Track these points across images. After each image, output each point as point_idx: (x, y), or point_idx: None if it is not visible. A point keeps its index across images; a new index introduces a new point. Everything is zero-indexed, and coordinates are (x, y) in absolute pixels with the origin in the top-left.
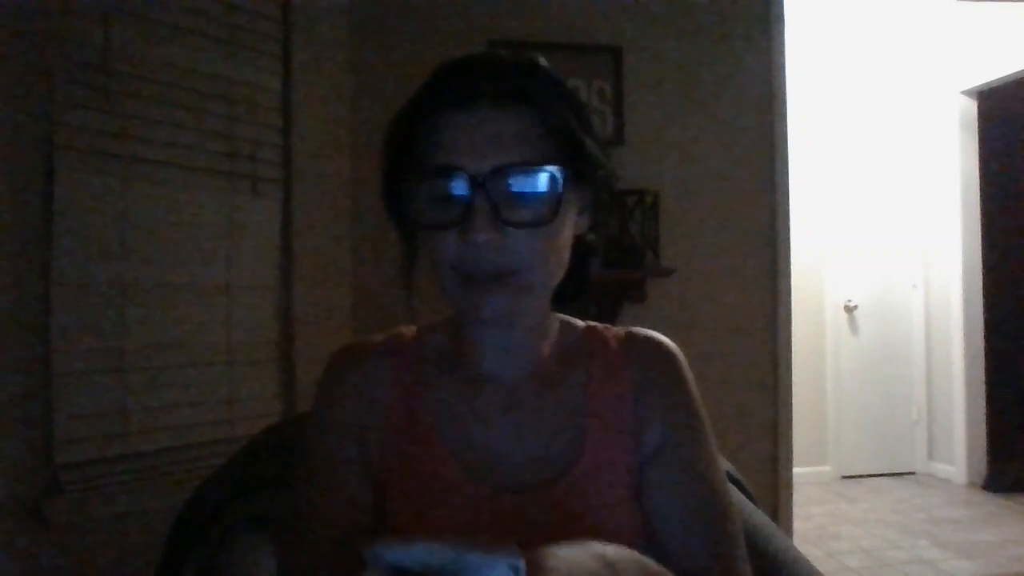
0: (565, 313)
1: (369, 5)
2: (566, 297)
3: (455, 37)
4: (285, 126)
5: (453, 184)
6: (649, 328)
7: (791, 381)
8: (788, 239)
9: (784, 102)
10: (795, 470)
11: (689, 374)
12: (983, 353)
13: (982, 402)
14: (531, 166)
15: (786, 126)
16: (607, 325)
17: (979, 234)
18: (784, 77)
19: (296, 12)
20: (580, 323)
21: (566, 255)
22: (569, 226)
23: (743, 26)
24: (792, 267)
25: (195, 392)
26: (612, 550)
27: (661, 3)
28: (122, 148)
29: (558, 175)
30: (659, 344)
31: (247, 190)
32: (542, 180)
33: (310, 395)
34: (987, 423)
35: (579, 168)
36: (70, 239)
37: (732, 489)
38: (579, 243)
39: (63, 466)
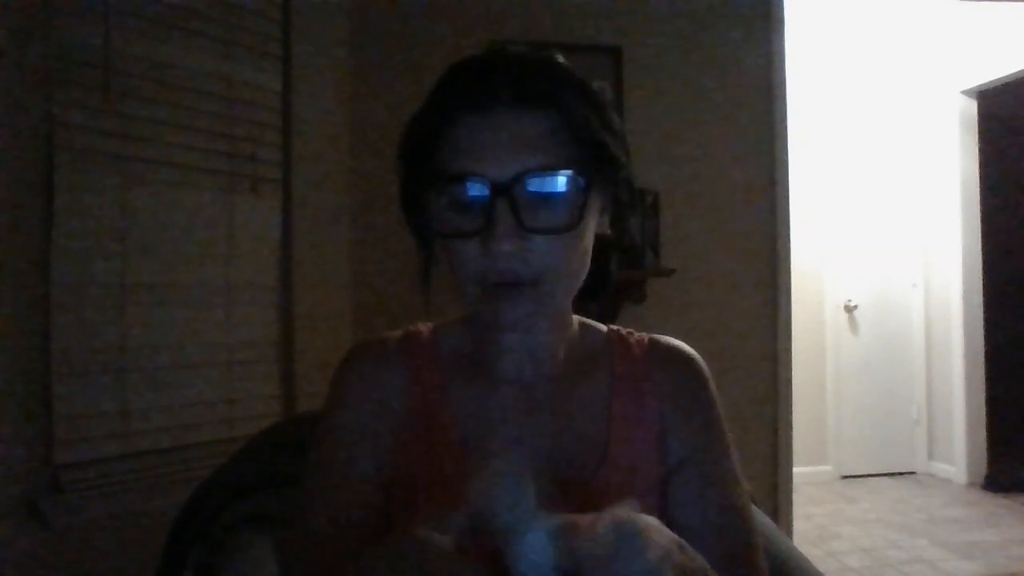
0: (580, 309)
1: (369, 5)
2: (588, 295)
3: (455, 37)
4: (285, 126)
5: (473, 191)
6: (650, 328)
7: (791, 381)
8: (788, 239)
9: (784, 102)
10: (795, 470)
11: (713, 387)
12: (983, 353)
13: (982, 402)
14: (554, 171)
15: (786, 126)
16: (630, 330)
17: (979, 234)
18: (784, 77)
19: (296, 12)
20: (601, 326)
21: (588, 257)
22: (592, 228)
23: (743, 26)
24: (792, 267)
25: (195, 392)
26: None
27: (661, 3)
28: (122, 148)
29: (582, 179)
30: (685, 355)
31: (247, 190)
32: (566, 185)
33: (310, 395)
34: (987, 423)
35: (601, 169)
36: (70, 239)
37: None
38: (600, 241)
39: (63, 466)
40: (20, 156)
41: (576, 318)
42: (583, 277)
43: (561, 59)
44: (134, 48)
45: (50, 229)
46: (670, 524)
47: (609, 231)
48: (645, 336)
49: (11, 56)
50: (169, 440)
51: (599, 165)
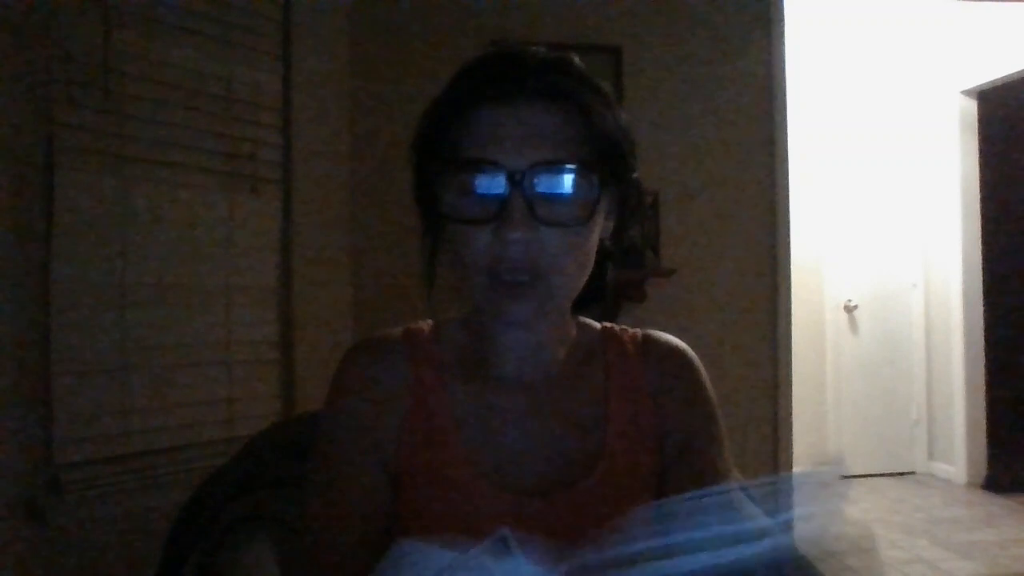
0: (578, 311)
1: (369, 5)
2: (583, 300)
3: (455, 37)
4: (285, 126)
5: (489, 180)
6: (650, 328)
7: (791, 381)
8: (788, 239)
9: (784, 102)
10: (795, 470)
11: (707, 381)
12: (983, 353)
13: (982, 402)
14: (570, 165)
15: (786, 126)
16: (624, 327)
17: (979, 234)
18: (784, 78)
19: (296, 12)
20: (596, 324)
21: (592, 259)
22: (599, 229)
23: (743, 26)
24: (792, 267)
25: (195, 392)
26: None
27: (661, 3)
28: (122, 148)
29: (595, 176)
30: (678, 349)
31: (247, 190)
32: (580, 180)
33: (310, 395)
34: (987, 423)
35: (613, 170)
36: (70, 239)
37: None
38: (598, 248)
39: (63, 466)
40: (20, 156)
41: (574, 316)
42: (585, 278)
43: (578, 60)
44: (134, 48)
45: (50, 229)
46: None
47: (609, 239)
48: (639, 332)
49: (11, 56)
50: (169, 440)
51: (613, 164)
